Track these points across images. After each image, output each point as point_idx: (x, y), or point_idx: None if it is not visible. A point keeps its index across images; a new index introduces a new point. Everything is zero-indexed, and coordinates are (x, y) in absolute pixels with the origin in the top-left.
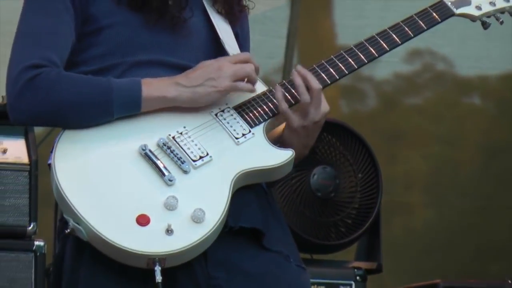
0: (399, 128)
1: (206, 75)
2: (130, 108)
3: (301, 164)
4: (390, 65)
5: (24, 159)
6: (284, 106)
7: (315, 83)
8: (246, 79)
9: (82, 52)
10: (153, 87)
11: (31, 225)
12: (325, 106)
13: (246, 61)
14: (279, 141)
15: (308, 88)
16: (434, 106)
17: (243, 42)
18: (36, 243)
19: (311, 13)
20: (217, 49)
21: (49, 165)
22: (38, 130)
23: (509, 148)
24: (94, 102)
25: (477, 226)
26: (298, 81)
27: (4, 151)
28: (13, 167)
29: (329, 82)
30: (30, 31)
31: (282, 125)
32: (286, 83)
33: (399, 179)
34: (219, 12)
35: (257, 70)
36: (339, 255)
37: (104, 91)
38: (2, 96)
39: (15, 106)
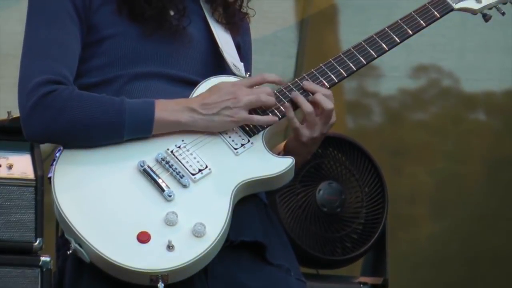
0: (405, 143)
1: (222, 103)
2: (141, 131)
3: (307, 180)
4: (395, 81)
5: (30, 174)
6: (297, 123)
7: (328, 104)
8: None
9: (84, 63)
10: (167, 111)
11: (37, 241)
12: (332, 118)
13: (261, 83)
14: (284, 150)
15: (318, 107)
16: (440, 121)
17: (244, 53)
18: (42, 258)
19: (317, 32)
20: (217, 59)
21: (49, 178)
22: (45, 145)
23: None
24: (106, 124)
25: (484, 237)
26: (297, 96)
27: (10, 167)
28: (19, 183)
29: (336, 81)
30: (39, 43)
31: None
32: (283, 91)
33: (404, 193)
34: (219, 22)
35: (278, 82)
36: (345, 270)
37: (116, 113)
38: (8, 112)
39: (28, 122)
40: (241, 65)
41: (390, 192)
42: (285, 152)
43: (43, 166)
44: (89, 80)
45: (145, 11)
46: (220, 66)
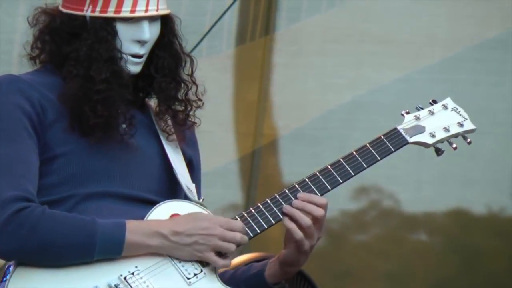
0: (347, 265)
1: (194, 236)
2: (111, 253)
3: None
4: (336, 203)
5: None
6: (300, 234)
7: (319, 212)
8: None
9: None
10: (137, 234)
11: None
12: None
13: (237, 231)
14: (282, 263)
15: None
16: (381, 242)
17: (196, 165)
18: None
19: (267, 164)
20: (170, 175)
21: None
22: None
23: (456, 284)
24: (77, 245)
25: None
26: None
27: None
28: None
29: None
30: (2, 160)
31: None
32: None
33: None
34: (164, 131)
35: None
36: None
37: (88, 234)
38: None
39: None
40: (193, 187)
41: None
42: (283, 265)
43: None
44: (41, 198)
45: (90, 119)
46: (172, 182)
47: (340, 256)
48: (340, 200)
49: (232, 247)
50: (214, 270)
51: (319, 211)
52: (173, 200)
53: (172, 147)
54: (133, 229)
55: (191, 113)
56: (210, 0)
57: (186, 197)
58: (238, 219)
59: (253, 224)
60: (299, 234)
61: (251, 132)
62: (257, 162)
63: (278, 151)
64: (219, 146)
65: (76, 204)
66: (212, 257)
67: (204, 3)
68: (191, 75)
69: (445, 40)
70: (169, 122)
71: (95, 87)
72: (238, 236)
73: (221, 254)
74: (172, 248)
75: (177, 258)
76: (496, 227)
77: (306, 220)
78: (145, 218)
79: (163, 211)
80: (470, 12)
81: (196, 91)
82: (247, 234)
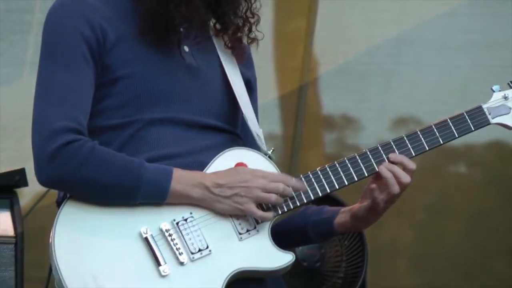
0: None
1: (235, 189)
2: (155, 199)
3: None
4: (374, 134)
5: (10, 231)
6: (397, 189)
7: (406, 178)
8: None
9: (97, 103)
10: (182, 184)
11: None
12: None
13: (281, 182)
14: (357, 218)
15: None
16: (420, 174)
17: (254, 85)
18: None
19: (315, 99)
20: (230, 100)
21: (57, 202)
22: (24, 201)
23: (495, 216)
24: (122, 187)
25: None
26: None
27: None
28: None
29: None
30: (55, 87)
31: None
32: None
33: (385, 247)
34: (226, 46)
35: (299, 188)
36: None
37: (134, 179)
38: None
39: (45, 170)
40: (260, 132)
41: (370, 245)
42: (354, 219)
43: (23, 223)
44: (103, 122)
45: (175, 19)
46: (234, 106)
47: None
48: (378, 130)
49: (273, 197)
50: (268, 229)
51: (407, 178)
52: (240, 148)
53: (232, 68)
54: (179, 178)
55: (252, 28)
56: None
57: (253, 141)
58: (303, 179)
59: (324, 183)
60: (396, 187)
61: (298, 67)
62: (304, 96)
63: (322, 85)
64: (264, 81)
65: (138, 130)
66: (252, 208)
67: None
68: None
69: None
70: (229, 35)
71: None
72: (280, 186)
73: (266, 209)
74: (213, 200)
75: (219, 212)
76: None
77: (407, 177)
78: (209, 164)
79: (229, 158)
80: None
81: (253, 7)
82: (312, 191)
